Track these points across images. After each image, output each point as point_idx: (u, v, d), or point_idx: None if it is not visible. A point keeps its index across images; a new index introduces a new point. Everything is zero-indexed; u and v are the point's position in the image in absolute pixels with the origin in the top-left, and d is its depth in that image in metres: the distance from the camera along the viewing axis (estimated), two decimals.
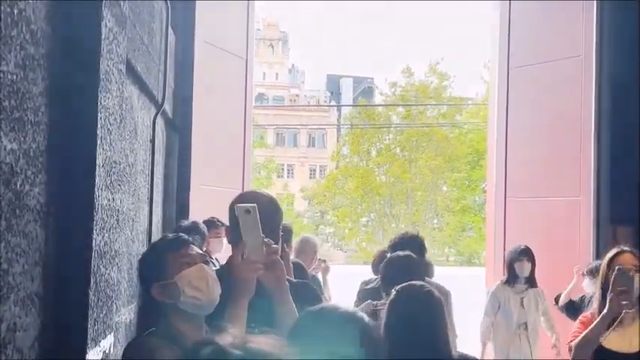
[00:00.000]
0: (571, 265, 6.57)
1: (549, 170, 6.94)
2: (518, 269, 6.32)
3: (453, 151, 34.67)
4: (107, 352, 2.99)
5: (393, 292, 2.94)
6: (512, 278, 6.40)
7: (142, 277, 2.56)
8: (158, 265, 2.46)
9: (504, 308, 6.40)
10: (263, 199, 2.87)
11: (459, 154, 34.52)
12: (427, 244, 5.39)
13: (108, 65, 2.96)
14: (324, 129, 55.17)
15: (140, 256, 2.64)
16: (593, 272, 5.99)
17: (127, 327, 4.39)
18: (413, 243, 4.90)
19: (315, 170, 54.59)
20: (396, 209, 36.21)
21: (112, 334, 3.15)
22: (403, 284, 2.97)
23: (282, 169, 51.27)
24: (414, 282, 3.03)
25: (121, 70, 3.24)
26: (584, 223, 6.61)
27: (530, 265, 6.32)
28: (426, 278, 4.64)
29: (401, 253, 4.38)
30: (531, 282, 6.40)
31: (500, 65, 7.44)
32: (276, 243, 2.57)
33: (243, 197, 2.99)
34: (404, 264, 4.15)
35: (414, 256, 4.36)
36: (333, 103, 58.51)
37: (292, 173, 53.97)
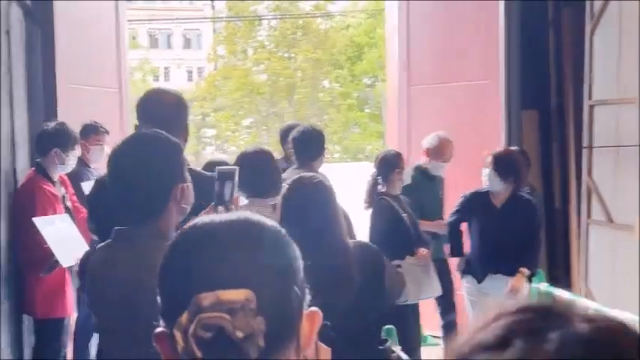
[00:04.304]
0: (481, 155, 6.20)
1: (454, 55, 6.47)
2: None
3: (332, 44, 33.97)
4: None
5: (284, 185, 2.95)
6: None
7: None
8: None
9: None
10: (173, 97, 2.85)
11: (338, 48, 33.88)
12: None
13: None
14: (199, 30, 53.11)
15: None
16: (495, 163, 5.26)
17: None
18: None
19: (192, 72, 52.74)
20: (278, 107, 35.50)
21: None
22: (294, 177, 2.98)
23: (159, 72, 49.27)
24: (305, 174, 3.03)
25: None
26: (493, 108, 6.22)
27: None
28: None
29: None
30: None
31: None
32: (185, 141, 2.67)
33: (149, 96, 2.84)
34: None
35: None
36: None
37: (169, 76, 51.98)
